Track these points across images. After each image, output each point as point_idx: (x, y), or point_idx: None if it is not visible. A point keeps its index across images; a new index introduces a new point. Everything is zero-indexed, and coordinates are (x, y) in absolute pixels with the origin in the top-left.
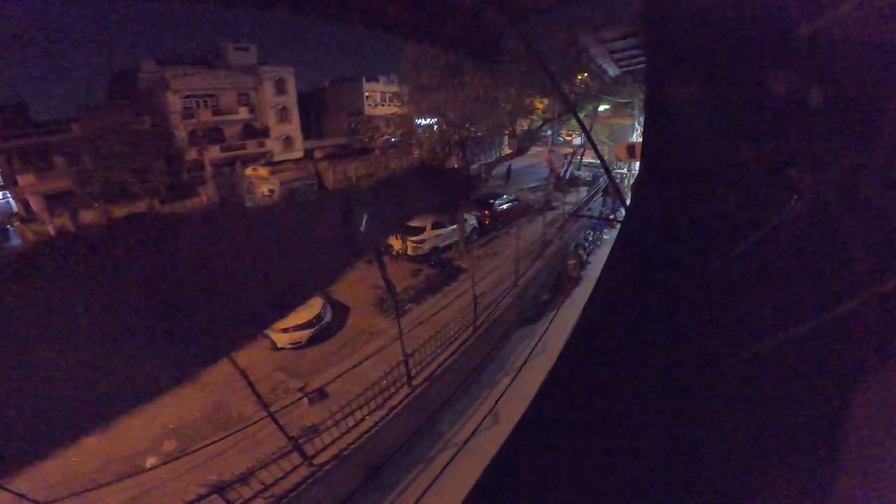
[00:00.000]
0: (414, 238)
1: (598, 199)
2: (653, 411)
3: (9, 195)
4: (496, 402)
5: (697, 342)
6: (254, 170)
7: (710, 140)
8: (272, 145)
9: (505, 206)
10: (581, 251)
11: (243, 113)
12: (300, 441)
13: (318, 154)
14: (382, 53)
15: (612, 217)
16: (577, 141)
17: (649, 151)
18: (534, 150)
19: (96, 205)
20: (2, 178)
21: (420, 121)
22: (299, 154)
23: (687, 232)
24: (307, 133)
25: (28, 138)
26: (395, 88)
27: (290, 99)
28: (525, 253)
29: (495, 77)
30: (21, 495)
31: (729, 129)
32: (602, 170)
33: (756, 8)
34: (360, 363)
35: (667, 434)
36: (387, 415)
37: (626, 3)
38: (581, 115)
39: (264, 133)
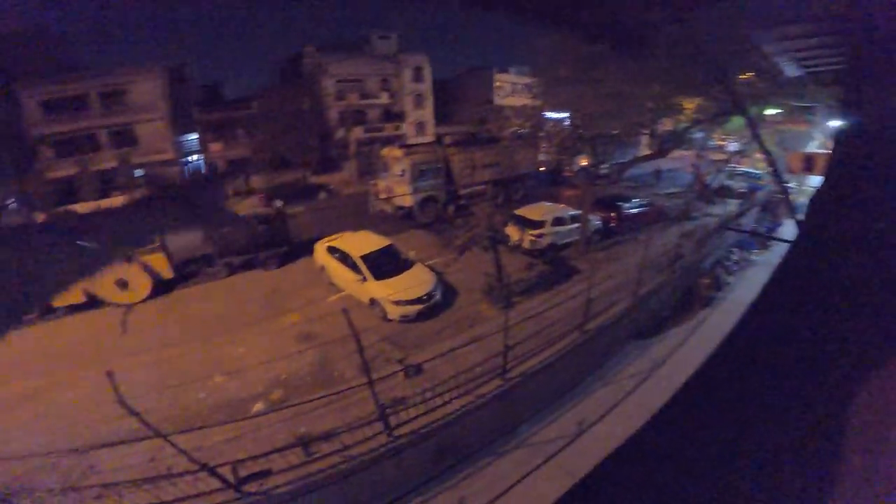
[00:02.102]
0: (532, 232)
1: (754, 214)
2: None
3: (202, 159)
4: (587, 413)
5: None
6: (389, 150)
7: None
8: (407, 129)
9: (635, 211)
10: (720, 270)
11: (384, 98)
12: (387, 411)
13: (447, 140)
14: (515, 44)
15: (768, 236)
16: (732, 147)
17: (842, 164)
18: (677, 153)
19: (264, 171)
20: (199, 144)
21: (550, 114)
22: (430, 138)
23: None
24: (439, 119)
25: (220, 113)
26: (526, 79)
27: (426, 86)
28: (651, 263)
29: (639, 72)
30: (164, 436)
31: None
32: (762, 182)
33: None
34: (459, 347)
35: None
36: (472, 402)
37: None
38: (737, 121)
39: (401, 117)
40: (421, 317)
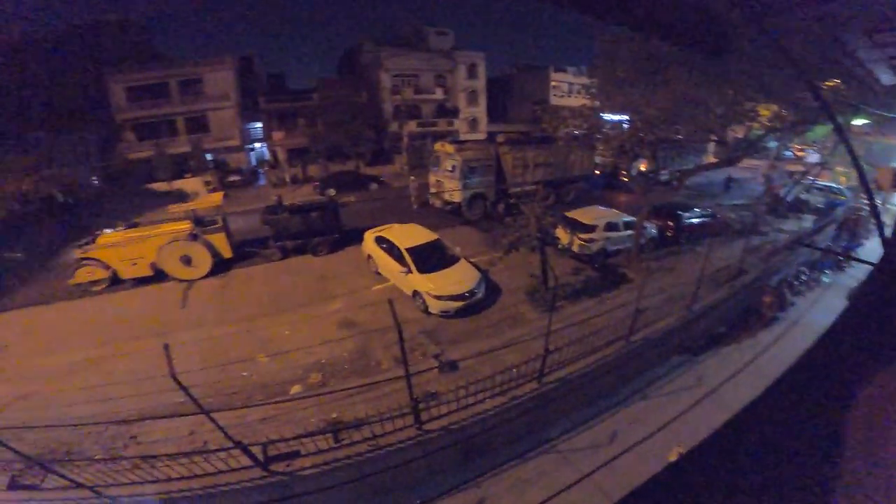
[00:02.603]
0: (583, 235)
1: (830, 231)
2: None
3: (265, 147)
4: (622, 426)
5: None
6: (441, 145)
7: None
8: (459, 125)
9: (696, 221)
10: (786, 289)
11: (438, 93)
12: (419, 404)
13: (500, 138)
14: (573, 44)
15: (846, 256)
16: (812, 158)
17: None
18: (748, 162)
19: (320, 161)
20: (263, 132)
21: (608, 116)
22: (482, 136)
23: None
24: (491, 117)
25: (283, 103)
26: (584, 80)
27: (480, 83)
28: (709, 277)
29: (710, 75)
30: (208, 413)
31: None
32: (842, 197)
33: None
34: (497, 347)
35: None
36: (505, 403)
37: None
38: (819, 130)
39: (454, 113)
40: (461, 313)
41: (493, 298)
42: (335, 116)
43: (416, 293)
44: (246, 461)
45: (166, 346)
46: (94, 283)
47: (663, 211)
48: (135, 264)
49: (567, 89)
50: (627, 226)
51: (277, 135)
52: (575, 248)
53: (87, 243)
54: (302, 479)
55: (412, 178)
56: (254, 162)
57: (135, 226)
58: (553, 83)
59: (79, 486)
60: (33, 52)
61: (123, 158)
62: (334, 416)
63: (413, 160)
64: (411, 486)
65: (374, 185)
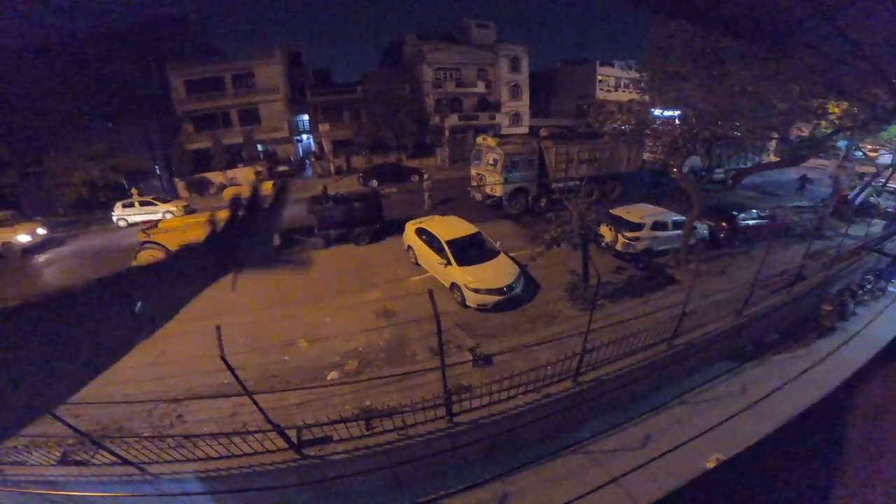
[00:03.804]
0: (628, 234)
1: None
2: None
3: (311, 138)
4: (656, 430)
5: None
6: (483, 139)
7: None
8: (501, 119)
9: (752, 222)
10: (847, 298)
11: (480, 87)
12: (451, 396)
13: (543, 132)
14: (621, 36)
15: None
16: (885, 159)
17: None
18: (813, 162)
19: (364, 152)
20: (310, 124)
21: (659, 111)
22: (525, 130)
23: None
24: (534, 111)
25: (329, 96)
26: (633, 74)
27: (522, 77)
28: (764, 282)
29: (774, 69)
30: (251, 395)
31: None
32: None
33: None
34: (533, 344)
35: None
36: (537, 400)
37: None
38: (894, 130)
39: (496, 107)
40: (498, 307)
41: (531, 294)
42: (378, 109)
43: (453, 285)
44: (281, 444)
45: (218, 328)
46: None
47: (717, 211)
48: None
49: (614, 84)
50: (676, 225)
51: (323, 127)
52: (619, 247)
53: (149, 227)
54: (333, 463)
55: (426, 177)
56: (301, 153)
57: (192, 211)
58: (599, 77)
59: (125, 462)
60: (102, 46)
61: (182, 148)
62: (368, 403)
63: (455, 153)
64: (438, 476)
65: (415, 178)
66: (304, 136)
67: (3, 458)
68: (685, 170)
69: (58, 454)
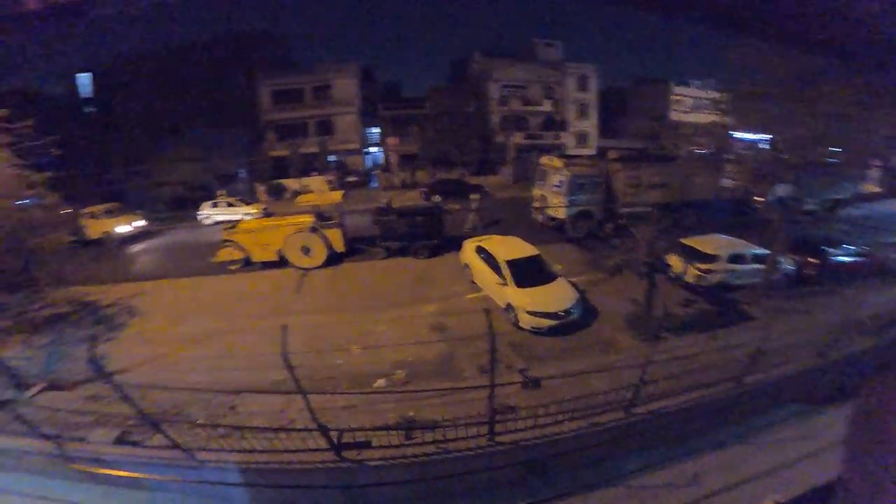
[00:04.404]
0: (701, 265)
1: None
2: None
3: (380, 151)
4: (708, 469)
5: None
6: (549, 159)
7: None
8: (567, 139)
9: (845, 259)
10: None
11: (546, 105)
12: (496, 415)
13: (611, 154)
14: (698, 55)
15: None
16: None
17: None
18: None
19: (428, 167)
20: (379, 137)
21: (741, 135)
22: (592, 151)
23: None
24: (603, 131)
25: (398, 110)
26: (711, 95)
27: (591, 96)
28: (853, 324)
29: (878, 92)
30: (305, 394)
31: None
32: None
33: None
34: (586, 371)
35: None
36: (584, 427)
37: None
38: None
39: (562, 126)
40: (553, 331)
41: (588, 320)
42: (444, 125)
43: (509, 306)
44: (322, 444)
45: (284, 328)
46: (232, 262)
47: (805, 245)
48: (265, 249)
49: (690, 105)
50: (757, 259)
51: (391, 140)
52: (689, 278)
53: (231, 227)
54: (369, 470)
55: (473, 197)
56: (369, 165)
57: (269, 215)
58: (674, 97)
59: (176, 447)
60: (198, 58)
61: (266, 155)
62: (410, 414)
63: (518, 172)
64: (471, 496)
65: (477, 195)
66: (374, 149)
67: (66, 433)
68: (770, 199)
69: (116, 433)
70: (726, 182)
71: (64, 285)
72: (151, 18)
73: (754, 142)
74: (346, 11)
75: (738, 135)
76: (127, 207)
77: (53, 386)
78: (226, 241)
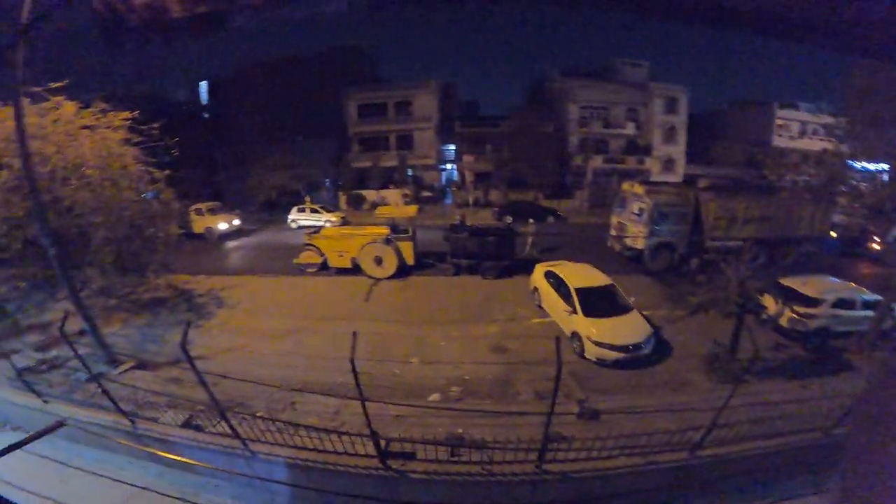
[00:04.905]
0: (799, 309)
1: None
2: None
3: (455, 168)
4: None
5: None
6: (630, 185)
7: None
8: (651, 164)
9: None
10: None
11: (629, 128)
12: (550, 442)
13: (702, 183)
14: (808, 77)
15: None
16: None
17: None
18: None
19: (502, 187)
20: (455, 154)
21: (859, 164)
22: (678, 178)
23: None
24: (692, 158)
25: (475, 128)
26: (824, 119)
27: (680, 119)
28: None
29: None
30: (363, 400)
31: None
32: None
33: None
34: (652, 409)
35: None
36: (640, 465)
37: None
38: None
39: (646, 150)
40: (619, 365)
41: (660, 357)
42: (520, 145)
43: (574, 334)
44: (369, 450)
45: (354, 335)
46: (310, 265)
47: None
48: (341, 256)
49: (797, 129)
50: (868, 305)
51: (467, 158)
52: (783, 322)
53: (313, 232)
54: (411, 482)
55: (531, 221)
56: (444, 181)
57: (347, 223)
58: (778, 121)
59: (235, 436)
60: (292, 71)
61: (349, 166)
62: (460, 431)
63: (595, 197)
64: None
65: (550, 219)
66: (449, 166)
67: (141, 412)
68: (890, 239)
69: (183, 417)
70: (838, 218)
71: (167, 273)
72: (271, 32)
73: (875, 173)
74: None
75: (855, 164)
76: (226, 206)
77: (140, 365)
78: (307, 245)
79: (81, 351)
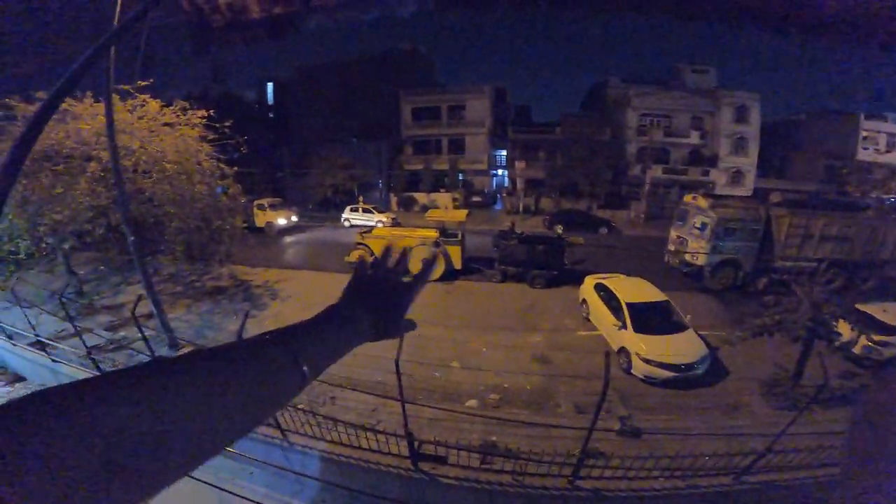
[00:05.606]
0: (877, 336)
1: None
2: None
3: (506, 174)
4: None
5: None
6: (693, 198)
7: None
8: (717, 176)
9: None
10: None
11: (694, 137)
12: (586, 458)
13: (774, 197)
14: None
15: None
16: None
17: None
18: None
19: (553, 195)
20: (506, 160)
21: None
22: (747, 192)
23: None
24: (764, 170)
25: (527, 134)
26: None
27: (751, 129)
28: None
29: None
30: (404, 402)
31: None
32: None
33: None
34: (700, 433)
35: None
36: (680, 488)
37: None
38: None
39: (712, 161)
40: (667, 383)
41: (715, 379)
42: (575, 152)
43: (622, 350)
44: (402, 451)
45: (402, 337)
46: None
47: None
48: None
49: (885, 142)
50: None
51: (519, 164)
52: (857, 349)
53: (365, 231)
54: (440, 486)
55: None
56: (494, 187)
57: (397, 224)
58: (864, 133)
59: (276, 426)
60: (351, 73)
61: (402, 168)
62: (493, 439)
63: (653, 209)
64: None
65: (603, 229)
66: (500, 171)
67: None
68: None
69: None
70: None
71: (230, 263)
72: (333, 37)
73: None
74: (486, 34)
75: None
76: (286, 203)
77: None
78: (359, 243)
79: (147, 333)
